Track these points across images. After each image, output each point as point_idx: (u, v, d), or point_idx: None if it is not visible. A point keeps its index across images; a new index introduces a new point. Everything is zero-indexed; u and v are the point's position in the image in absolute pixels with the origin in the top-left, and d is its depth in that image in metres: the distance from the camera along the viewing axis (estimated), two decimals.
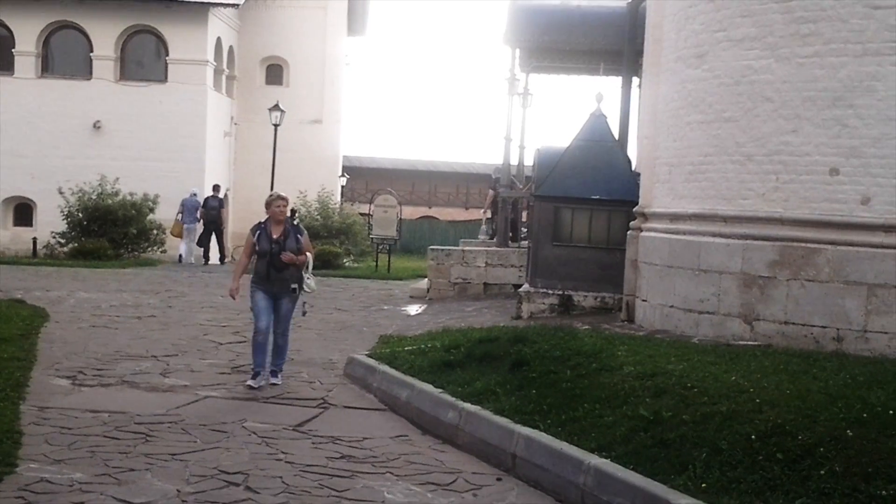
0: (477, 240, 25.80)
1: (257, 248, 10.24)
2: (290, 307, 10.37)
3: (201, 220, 29.14)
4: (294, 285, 10.23)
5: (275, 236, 10.19)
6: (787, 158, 10.82)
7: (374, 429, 8.69)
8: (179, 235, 29.20)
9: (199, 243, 29.35)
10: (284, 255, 10.07)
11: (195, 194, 30.03)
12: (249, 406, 9.30)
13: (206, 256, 29.35)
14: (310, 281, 10.34)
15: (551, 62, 23.67)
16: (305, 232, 10.62)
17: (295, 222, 10.63)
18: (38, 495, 6.32)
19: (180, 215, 29.20)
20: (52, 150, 33.13)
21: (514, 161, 23.94)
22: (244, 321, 15.22)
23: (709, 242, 11.53)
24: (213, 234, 29.31)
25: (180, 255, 28.93)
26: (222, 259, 29.74)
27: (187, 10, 33.47)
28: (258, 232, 10.26)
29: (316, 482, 6.93)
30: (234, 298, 10.34)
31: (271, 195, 10.57)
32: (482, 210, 25.71)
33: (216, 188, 30.31)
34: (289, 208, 10.59)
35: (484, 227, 24.92)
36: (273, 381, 10.30)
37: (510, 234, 22.63)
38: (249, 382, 10.15)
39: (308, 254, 10.37)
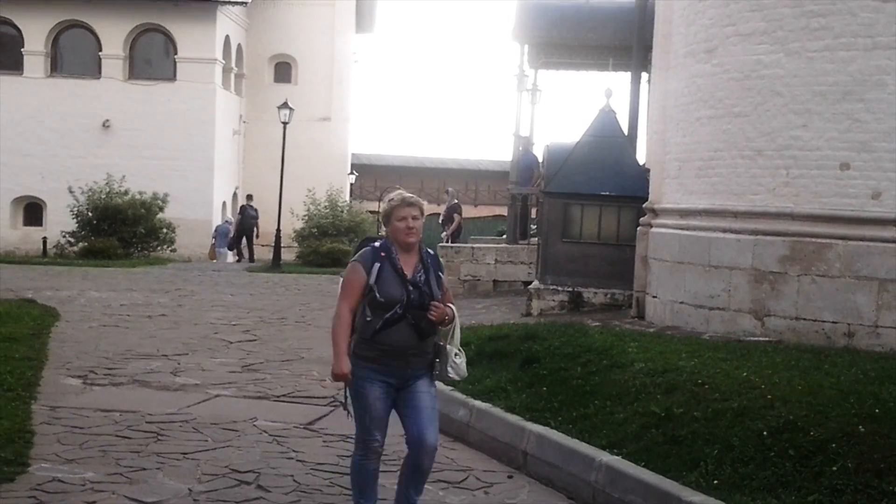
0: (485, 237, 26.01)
1: (378, 294, 5.51)
2: (433, 397, 5.81)
3: (235, 229, 32.48)
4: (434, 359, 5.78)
5: (408, 273, 5.61)
6: (798, 153, 10.77)
7: None
8: (214, 258, 32.01)
9: (230, 247, 32.44)
10: (434, 310, 5.54)
11: (229, 222, 33.21)
12: (260, 405, 9.30)
13: (241, 255, 32.23)
14: (459, 359, 5.81)
15: (560, 58, 23.61)
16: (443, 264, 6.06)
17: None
18: (51, 495, 6.33)
19: (214, 240, 32.24)
20: (61, 150, 33.27)
21: None
22: (254, 319, 15.27)
23: (719, 238, 11.49)
24: (246, 238, 32.13)
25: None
26: (251, 258, 31.90)
27: (196, 9, 33.56)
28: (377, 264, 5.56)
29: (327, 480, 6.94)
30: (347, 379, 5.65)
31: (393, 198, 5.73)
32: (443, 233, 25.85)
33: (250, 197, 33.03)
34: (420, 221, 5.67)
35: None
36: None
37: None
38: None
39: (451, 305, 5.75)
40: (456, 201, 26.62)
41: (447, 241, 25.34)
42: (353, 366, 5.60)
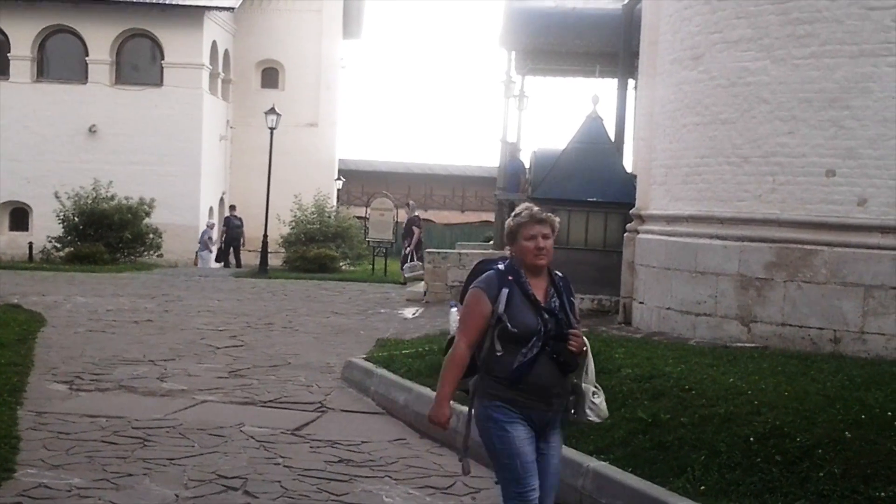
0: (471, 244, 26.24)
1: (510, 325, 4.70)
2: (560, 454, 5.03)
3: (223, 237, 32.83)
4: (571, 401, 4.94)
5: (540, 299, 4.82)
6: (784, 160, 10.83)
7: (373, 432, 8.68)
8: (196, 264, 32.00)
9: (219, 259, 32.56)
10: (575, 339, 4.75)
11: (210, 225, 33.41)
12: (247, 410, 9.27)
13: (228, 265, 32.21)
14: (598, 399, 4.97)
15: (547, 64, 23.66)
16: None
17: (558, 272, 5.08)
18: (37, 500, 6.31)
19: (199, 244, 32.38)
20: (47, 155, 33.10)
21: None
22: (240, 325, 15.24)
23: (706, 244, 11.53)
24: (232, 247, 32.63)
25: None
26: (238, 264, 32.32)
27: (183, 14, 33.46)
28: (504, 290, 4.75)
29: (314, 486, 6.92)
30: (444, 428, 4.93)
31: (520, 213, 4.94)
32: (405, 247, 26.31)
33: (233, 207, 33.59)
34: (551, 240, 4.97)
35: (411, 262, 24.72)
36: None
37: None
38: None
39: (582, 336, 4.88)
40: (416, 214, 27.81)
41: (410, 254, 25.64)
42: (486, 408, 4.76)
